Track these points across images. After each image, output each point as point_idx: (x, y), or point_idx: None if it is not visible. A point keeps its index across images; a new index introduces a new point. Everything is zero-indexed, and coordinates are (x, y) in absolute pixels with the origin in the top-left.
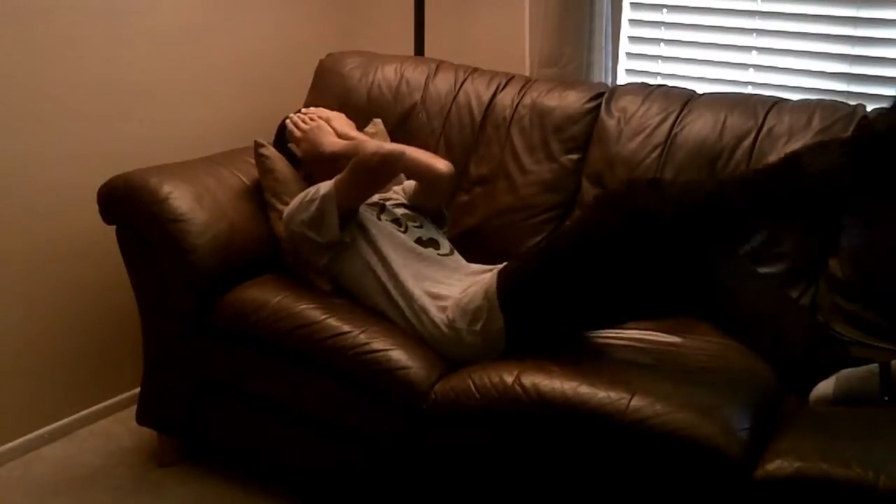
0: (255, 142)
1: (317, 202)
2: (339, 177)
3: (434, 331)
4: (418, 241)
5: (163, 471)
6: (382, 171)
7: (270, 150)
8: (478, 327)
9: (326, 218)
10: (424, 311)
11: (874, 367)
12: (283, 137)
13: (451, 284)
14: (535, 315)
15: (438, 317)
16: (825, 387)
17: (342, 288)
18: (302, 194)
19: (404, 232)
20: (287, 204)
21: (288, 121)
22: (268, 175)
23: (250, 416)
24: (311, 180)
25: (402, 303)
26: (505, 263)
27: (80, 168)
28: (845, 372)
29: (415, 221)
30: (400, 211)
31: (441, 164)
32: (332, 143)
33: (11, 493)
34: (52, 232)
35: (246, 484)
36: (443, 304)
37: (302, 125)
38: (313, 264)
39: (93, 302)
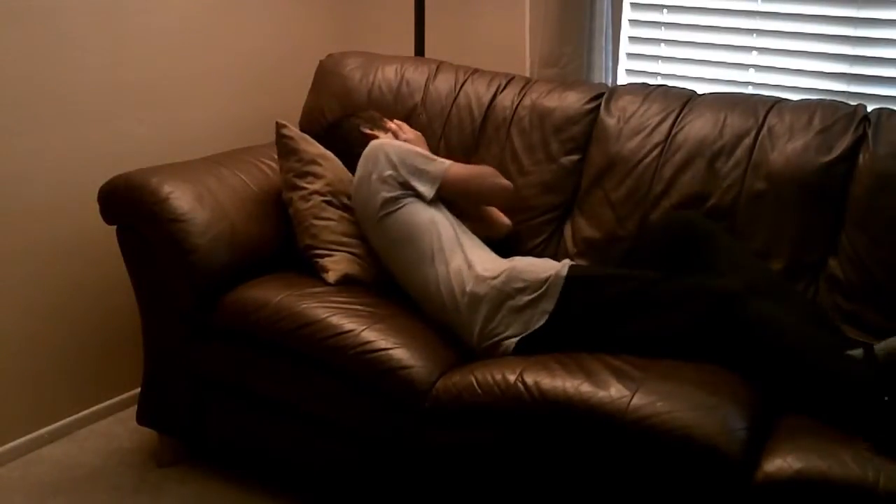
0: (277, 122)
1: (433, 166)
2: (458, 166)
3: (475, 288)
4: None
5: (163, 471)
6: (492, 191)
7: (294, 132)
8: (524, 298)
9: (428, 180)
10: (472, 265)
11: None
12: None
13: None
14: (584, 315)
15: (490, 271)
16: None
17: (373, 245)
18: (413, 147)
19: None
20: (312, 184)
21: (393, 123)
22: (291, 156)
23: (251, 415)
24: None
25: (449, 258)
26: (579, 264)
27: (80, 168)
28: None
29: None
30: None
31: (506, 220)
32: (430, 154)
33: (11, 493)
34: (52, 232)
35: (246, 484)
36: (495, 263)
37: (407, 127)
38: (375, 195)
39: (93, 302)
